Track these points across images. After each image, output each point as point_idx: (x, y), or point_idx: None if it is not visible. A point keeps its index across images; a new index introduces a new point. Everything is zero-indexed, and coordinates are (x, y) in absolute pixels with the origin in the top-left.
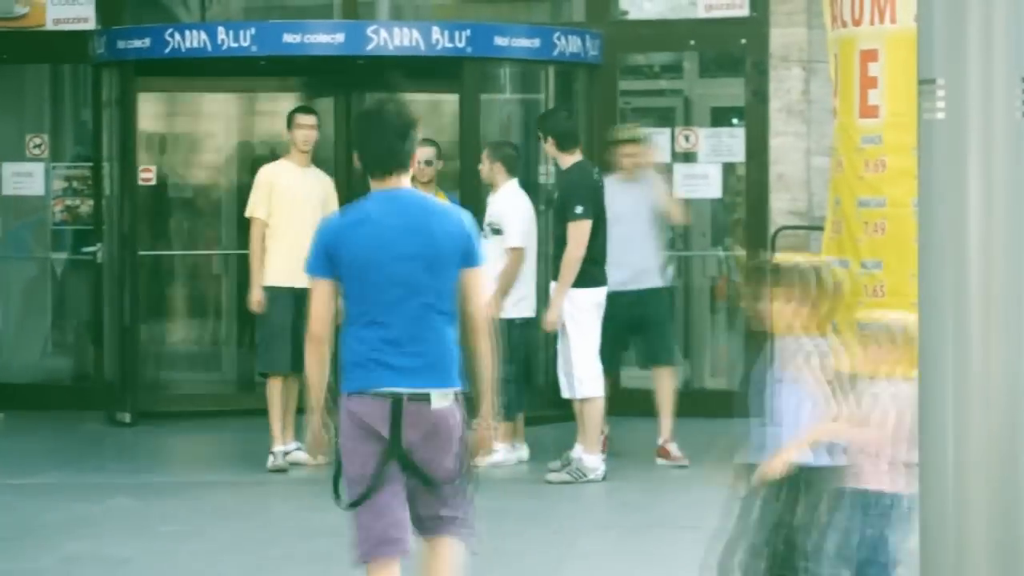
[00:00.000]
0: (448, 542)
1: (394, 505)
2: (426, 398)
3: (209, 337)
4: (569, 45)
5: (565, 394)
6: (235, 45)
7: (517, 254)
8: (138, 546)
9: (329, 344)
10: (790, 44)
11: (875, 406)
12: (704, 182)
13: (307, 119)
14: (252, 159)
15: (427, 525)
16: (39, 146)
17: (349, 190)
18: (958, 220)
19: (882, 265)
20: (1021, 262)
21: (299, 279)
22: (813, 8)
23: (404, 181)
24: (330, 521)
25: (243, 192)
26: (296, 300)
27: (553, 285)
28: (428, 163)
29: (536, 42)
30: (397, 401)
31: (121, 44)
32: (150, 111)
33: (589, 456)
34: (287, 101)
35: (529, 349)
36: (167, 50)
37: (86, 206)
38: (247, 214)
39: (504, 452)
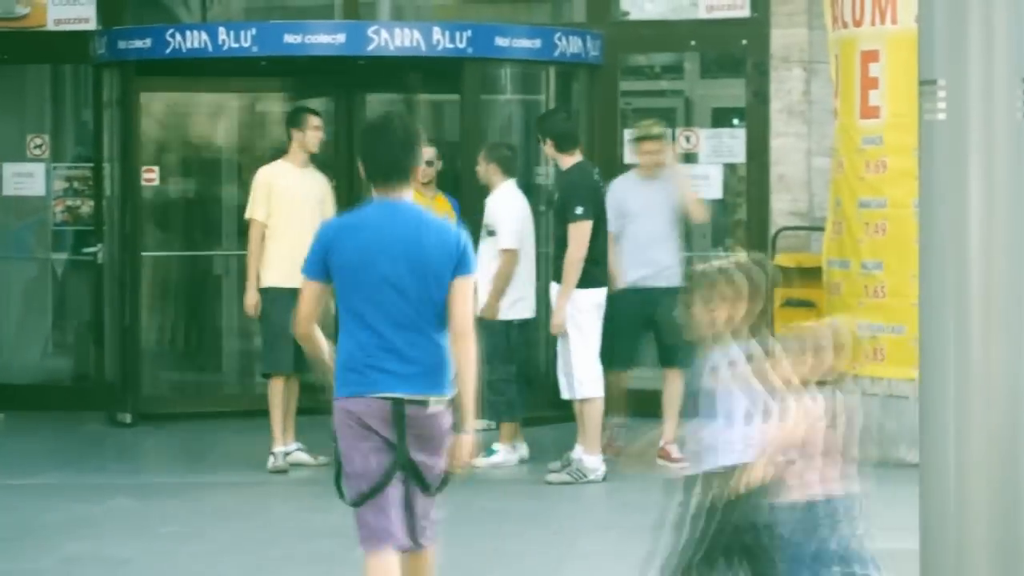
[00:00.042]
0: (427, 553)
1: (393, 502)
2: (423, 403)
3: (209, 338)
4: (570, 46)
5: (565, 395)
6: (236, 45)
7: (510, 256)
8: (138, 547)
9: (316, 335)
10: (791, 45)
11: (799, 412)
12: (705, 183)
13: (318, 120)
14: (253, 160)
15: (409, 535)
16: (40, 146)
17: (350, 191)
18: (959, 220)
19: (883, 266)
20: (1022, 262)
21: (300, 279)
22: (814, 9)
23: (406, 193)
24: (331, 522)
25: (243, 192)
26: (297, 301)
27: (553, 286)
28: (428, 163)
29: (537, 43)
30: (399, 406)
31: (122, 44)
32: (150, 111)
33: (589, 457)
34: (288, 102)
35: (528, 350)
36: (168, 50)
37: (87, 207)
38: (246, 216)
39: (504, 453)
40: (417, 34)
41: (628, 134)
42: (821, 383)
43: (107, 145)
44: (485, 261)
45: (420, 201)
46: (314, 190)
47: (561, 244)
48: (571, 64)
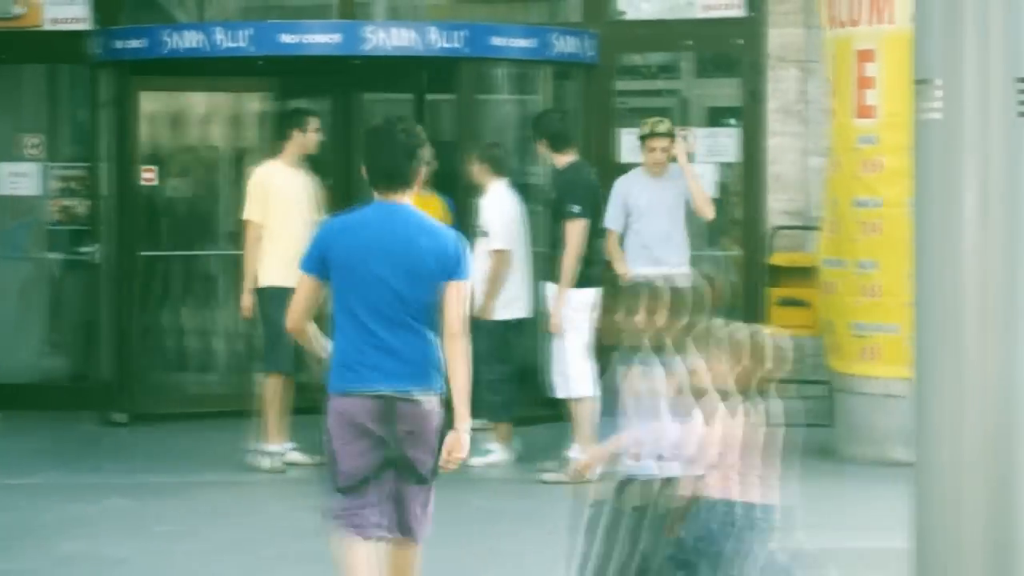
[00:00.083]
0: (411, 549)
1: (379, 495)
2: (411, 398)
3: (205, 338)
4: (566, 45)
5: (559, 394)
6: (232, 45)
7: (501, 256)
8: (134, 546)
9: (309, 329)
10: (787, 44)
11: (722, 419)
12: (700, 182)
13: (317, 123)
14: (248, 160)
15: (394, 528)
16: (36, 146)
17: (347, 192)
18: (954, 220)
19: (878, 265)
20: (1016, 261)
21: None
22: (810, 8)
23: (406, 198)
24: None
25: (239, 193)
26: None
27: (548, 286)
28: (425, 163)
29: (533, 42)
30: (390, 402)
31: (118, 44)
32: (146, 111)
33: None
34: (284, 101)
35: (523, 350)
36: (164, 50)
37: (82, 206)
38: (243, 216)
39: (499, 453)
40: (413, 34)
41: (636, 132)
42: (743, 391)
43: (103, 145)
44: (479, 261)
45: (414, 201)
46: (308, 190)
47: (557, 243)
48: (567, 63)
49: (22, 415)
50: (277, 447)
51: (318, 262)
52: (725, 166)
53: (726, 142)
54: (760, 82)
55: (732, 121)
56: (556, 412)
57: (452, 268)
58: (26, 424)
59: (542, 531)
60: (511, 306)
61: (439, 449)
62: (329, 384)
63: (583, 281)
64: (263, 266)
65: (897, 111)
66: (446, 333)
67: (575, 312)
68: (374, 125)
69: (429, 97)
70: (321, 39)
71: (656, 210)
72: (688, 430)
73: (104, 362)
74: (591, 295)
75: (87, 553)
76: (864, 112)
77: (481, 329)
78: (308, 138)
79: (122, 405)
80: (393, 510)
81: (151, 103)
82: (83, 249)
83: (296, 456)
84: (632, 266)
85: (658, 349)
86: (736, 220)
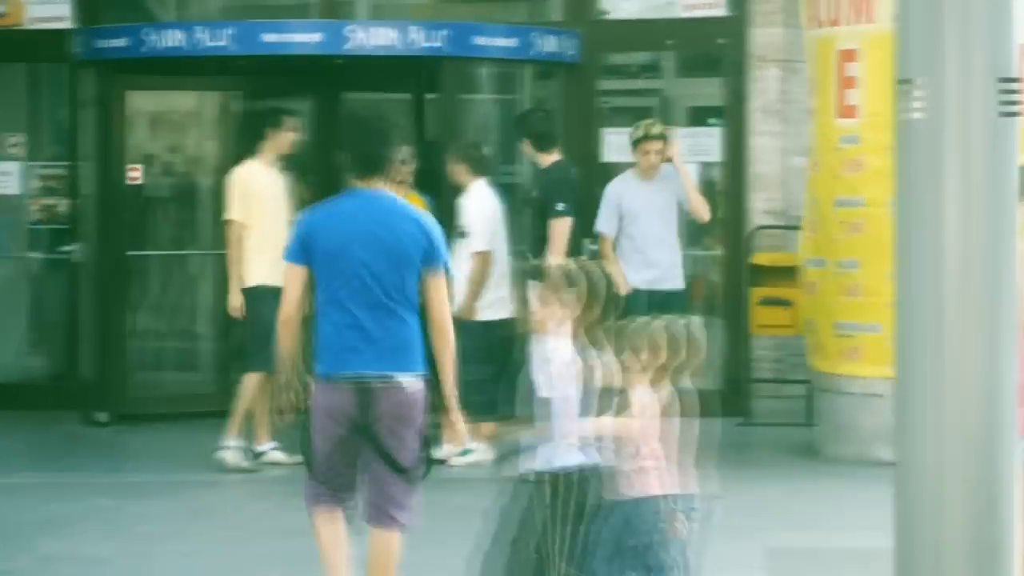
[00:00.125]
0: (389, 536)
1: (344, 471)
2: (391, 381)
3: (186, 337)
4: (548, 44)
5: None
6: (213, 44)
7: (482, 258)
8: (115, 546)
9: (298, 323)
10: (768, 44)
11: (636, 410)
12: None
13: (293, 122)
14: (229, 159)
15: (373, 514)
16: (16, 145)
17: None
18: (935, 220)
19: (859, 264)
20: (997, 262)
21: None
22: (792, 8)
23: (381, 184)
24: (307, 521)
25: (220, 192)
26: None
27: (531, 284)
28: (403, 162)
29: (514, 41)
30: (368, 386)
31: (99, 43)
32: (127, 110)
33: None
34: (266, 100)
35: (508, 350)
36: (145, 49)
37: (63, 206)
38: (225, 217)
39: (481, 452)
40: (394, 33)
41: (617, 132)
42: (657, 382)
43: (83, 144)
44: (460, 262)
45: None
46: (284, 188)
47: (539, 242)
48: (549, 63)
49: (3, 415)
50: (236, 443)
51: (302, 251)
52: (707, 166)
53: (708, 142)
54: (742, 82)
55: (714, 121)
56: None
57: (432, 253)
58: (7, 424)
59: None
60: (495, 306)
61: (424, 439)
62: (315, 367)
63: None
64: (247, 266)
65: (879, 111)
66: (432, 324)
67: None
68: (351, 114)
69: (410, 96)
70: (302, 38)
71: (650, 213)
72: (609, 421)
73: (85, 362)
74: None
75: (68, 553)
76: (846, 112)
77: (465, 329)
78: (284, 137)
79: (104, 405)
80: (372, 496)
81: (132, 102)
82: (64, 248)
83: (278, 455)
84: (627, 270)
85: (577, 340)
86: (718, 220)
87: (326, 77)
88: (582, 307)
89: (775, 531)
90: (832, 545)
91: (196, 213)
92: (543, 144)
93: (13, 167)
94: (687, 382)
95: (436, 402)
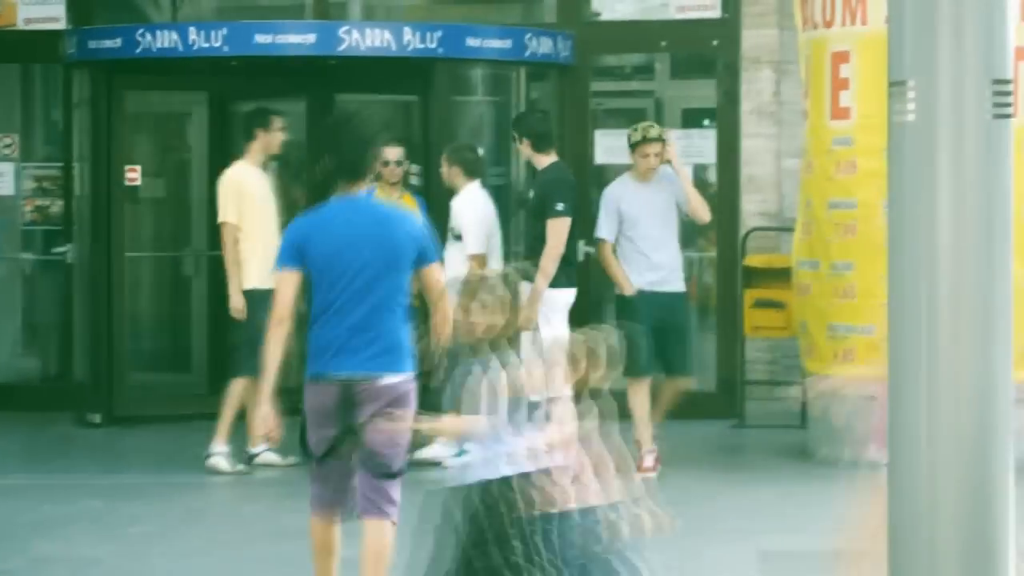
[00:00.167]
0: (382, 526)
1: (337, 476)
2: (380, 381)
3: (180, 339)
4: (541, 46)
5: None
6: (207, 45)
7: (478, 260)
8: (108, 547)
9: (289, 328)
10: (761, 46)
11: (558, 421)
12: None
13: (282, 122)
14: (223, 160)
15: (366, 506)
16: (9, 146)
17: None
18: (928, 222)
19: (852, 267)
20: (991, 264)
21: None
22: (784, 10)
23: (364, 187)
24: (301, 523)
25: (213, 193)
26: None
27: (524, 285)
28: (398, 163)
29: (508, 43)
30: (348, 386)
31: (92, 44)
32: (120, 111)
33: None
34: (259, 102)
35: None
36: (138, 50)
37: (56, 206)
38: (220, 219)
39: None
40: (388, 34)
41: (611, 133)
42: (577, 393)
43: (77, 145)
44: (453, 265)
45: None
46: (271, 189)
47: (533, 244)
48: (542, 64)
49: None
50: (224, 448)
51: (296, 256)
52: (700, 167)
53: (700, 143)
54: (735, 83)
55: (706, 122)
56: None
57: (428, 250)
58: (0, 425)
59: None
60: None
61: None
62: (307, 367)
63: (563, 282)
64: (242, 268)
65: (872, 113)
66: (443, 315)
67: (555, 313)
68: (333, 118)
69: (403, 98)
70: (296, 39)
71: (650, 216)
72: (532, 433)
73: (79, 363)
74: (570, 296)
75: (62, 554)
76: (839, 114)
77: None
78: (273, 137)
79: (97, 406)
80: (364, 489)
81: (125, 103)
82: (57, 249)
83: (271, 457)
84: (630, 272)
85: (497, 349)
86: (711, 222)
87: (320, 78)
88: (505, 316)
89: (769, 534)
90: (826, 547)
91: (190, 214)
92: (542, 144)
93: (6, 168)
94: (603, 393)
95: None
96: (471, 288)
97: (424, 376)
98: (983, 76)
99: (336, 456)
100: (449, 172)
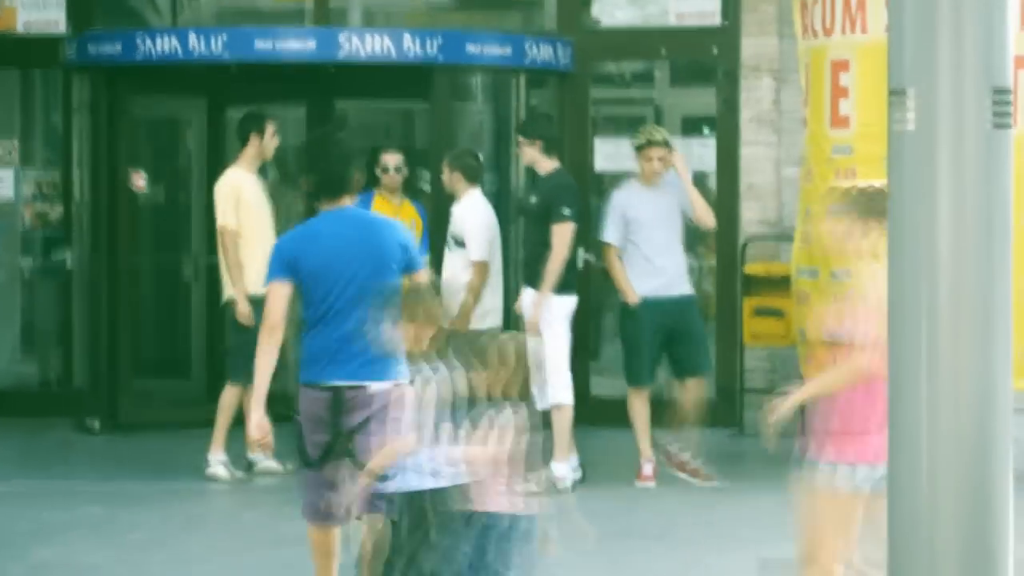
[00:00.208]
0: (382, 520)
1: (329, 484)
2: (369, 388)
3: (179, 345)
4: (541, 53)
5: (538, 405)
6: (207, 51)
7: (481, 267)
8: (107, 554)
9: (280, 337)
10: (761, 54)
11: (489, 428)
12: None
13: (275, 127)
14: (222, 165)
15: (362, 504)
16: (9, 151)
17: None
18: (928, 231)
19: (852, 275)
20: (990, 272)
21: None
22: (784, 18)
23: (349, 201)
24: (299, 530)
25: (212, 198)
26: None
27: (527, 291)
28: (397, 170)
29: (508, 50)
30: (339, 393)
31: (92, 49)
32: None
33: (558, 465)
34: (258, 107)
35: None
36: (138, 55)
37: (56, 212)
38: (219, 224)
39: None
40: (387, 40)
41: (611, 141)
42: (505, 398)
43: (76, 150)
44: (455, 271)
45: (386, 208)
46: (265, 195)
47: (535, 249)
48: (542, 71)
49: None
50: (222, 455)
51: (287, 269)
52: (699, 176)
53: (700, 151)
54: (734, 91)
55: (706, 130)
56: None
57: (413, 258)
58: None
59: None
60: (487, 317)
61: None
62: (300, 376)
63: (565, 287)
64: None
65: (872, 121)
66: None
67: (557, 319)
68: (312, 137)
69: (403, 105)
70: (296, 45)
71: (655, 221)
72: (455, 446)
73: (78, 369)
74: (572, 302)
75: (61, 561)
76: (838, 122)
77: None
78: (267, 143)
79: (96, 412)
80: (342, 488)
81: (125, 108)
82: (57, 255)
83: (270, 464)
84: (634, 278)
85: (425, 357)
86: (711, 230)
87: (319, 84)
88: (428, 326)
89: (768, 542)
90: None
91: (189, 220)
92: (551, 148)
93: (6, 173)
94: (527, 398)
95: None
96: (402, 299)
97: None
98: (983, 85)
99: (330, 460)
100: (450, 178)
